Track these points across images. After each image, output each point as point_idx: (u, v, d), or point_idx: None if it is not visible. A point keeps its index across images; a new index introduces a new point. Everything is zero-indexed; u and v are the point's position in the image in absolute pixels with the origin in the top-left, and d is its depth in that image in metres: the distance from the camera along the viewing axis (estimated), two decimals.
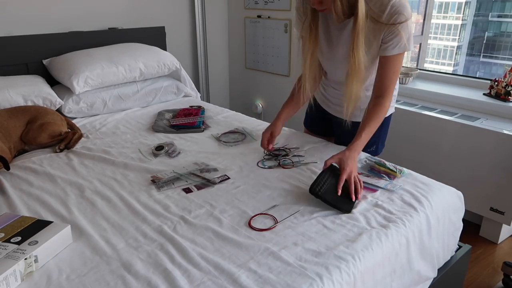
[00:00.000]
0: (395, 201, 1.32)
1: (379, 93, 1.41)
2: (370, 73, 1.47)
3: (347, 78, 1.37)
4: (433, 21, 2.83)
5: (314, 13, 1.38)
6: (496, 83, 2.26)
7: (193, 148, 1.78)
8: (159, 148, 1.73)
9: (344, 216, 1.23)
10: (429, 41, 2.95)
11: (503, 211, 2.06)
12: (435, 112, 2.29)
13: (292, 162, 1.57)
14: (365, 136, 1.40)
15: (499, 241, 2.18)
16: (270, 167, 1.55)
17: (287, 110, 1.66)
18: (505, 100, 2.20)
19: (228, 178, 1.48)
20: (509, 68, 2.26)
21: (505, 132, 2.00)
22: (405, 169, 1.51)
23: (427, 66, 3.04)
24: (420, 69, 2.69)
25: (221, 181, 1.46)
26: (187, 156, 1.69)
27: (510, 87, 2.18)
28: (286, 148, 1.68)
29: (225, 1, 3.41)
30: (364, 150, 1.57)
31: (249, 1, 3.24)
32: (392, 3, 1.27)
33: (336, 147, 1.71)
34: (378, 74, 1.41)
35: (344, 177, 1.29)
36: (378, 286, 1.11)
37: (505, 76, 2.24)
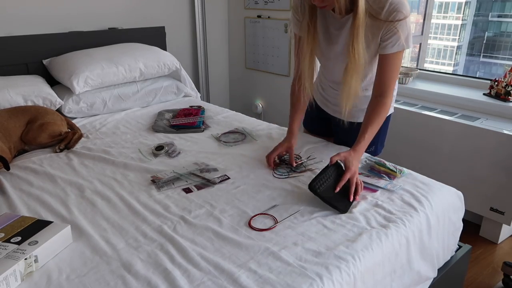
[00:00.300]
0: (395, 201, 1.32)
1: (380, 92, 1.41)
2: (368, 71, 1.47)
3: (346, 74, 1.36)
4: (433, 21, 2.83)
5: (313, 12, 1.38)
6: (496, 83, 2.26)
7: (193, 148, 1.78)
8: (159, 148, 1.73)
9: (344, 216, 1.23)
10: (429, 41, 2.95)
11: (503, 211, 2.06)
12: (435, 112, 2.29)
13: (305, 167, 1.54)
14: (368, 137, 1.40)
15: (499, 241, 2.18)
16: (286, 174, 1.50)
17: (297, 123, 1.61)
18: (505, 100, 2.20)
19: (228, 178, 1.48)
20: (509, 68, 2.26)
21: (505, 132, 2.00)
22: (405, 169, 1.51)
23: (427, 66, 3.04)
24: (420, 69, 2.69)
25: (221, 181, 1.46)
26: (187, 156, 1.69)
27: (510, 87, 2.18)
28: (295, 154, 1.63)
29: (225, 1, 3.41)
30: None
31: (249, 1, 3.24)
32: (391, 0, 1.27)
33: (336, 147, 1.71)
34: (378, 73, 1.40)
35: (347, 176, 1.30)
36: (378, 286, 1.11)
37: (505, 76, 2.24)
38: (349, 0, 1.27)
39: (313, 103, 1.73)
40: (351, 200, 1.28)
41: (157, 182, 1.46)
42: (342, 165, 1.35)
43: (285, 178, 1.47)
